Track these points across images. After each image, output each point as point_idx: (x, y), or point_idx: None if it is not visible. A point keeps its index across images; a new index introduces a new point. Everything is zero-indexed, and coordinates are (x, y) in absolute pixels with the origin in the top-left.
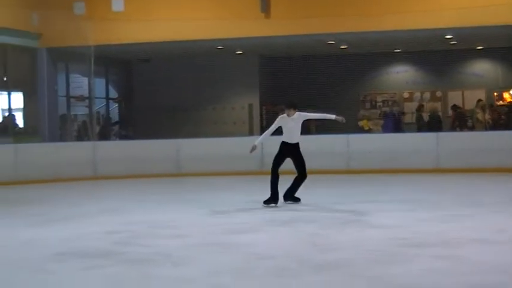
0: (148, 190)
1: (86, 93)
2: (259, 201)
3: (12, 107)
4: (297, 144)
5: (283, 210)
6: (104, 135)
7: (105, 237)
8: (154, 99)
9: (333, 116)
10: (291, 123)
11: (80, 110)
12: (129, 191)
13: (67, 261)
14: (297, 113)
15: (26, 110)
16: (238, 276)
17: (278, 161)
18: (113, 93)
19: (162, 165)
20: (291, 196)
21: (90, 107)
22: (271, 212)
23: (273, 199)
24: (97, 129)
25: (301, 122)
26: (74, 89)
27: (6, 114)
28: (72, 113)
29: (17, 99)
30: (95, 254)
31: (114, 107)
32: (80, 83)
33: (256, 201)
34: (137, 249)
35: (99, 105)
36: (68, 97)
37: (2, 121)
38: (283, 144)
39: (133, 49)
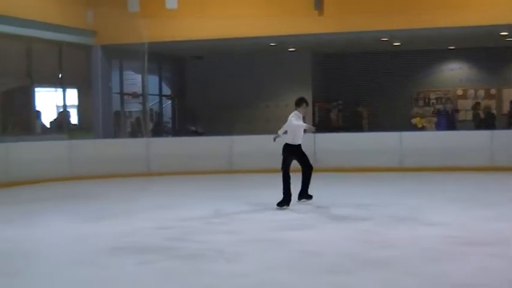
0: (201, 186)
1: (139, 90)
2: (313, 198)
3: (67, 103)
4: (300, 145)
5: (336, 207)
6: (157, 132)
7: (158, 233)
8: (207, 96)
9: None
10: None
11: (134, 107)
12: (182, 187)
13: (120, 256)
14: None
15: (80, 107)
16: (291, 272)
17: (289, 162)
18: (166, 90)
19: (214, 162)
20: (305, 194)
21: (143, 103)
22: (324, 209)
23: (286, 201)
24: (150, 125)
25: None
26: (128, 85)
27: (61, 110)
28: (125, 109)
29: (72, 95)
30: (148, 249)
31: (167, 104)
32: (134, 80)
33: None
34: (190, 244)
35: (152, 102)
36: (122, 94)
37: (57, 117)
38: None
39: (187, 46)
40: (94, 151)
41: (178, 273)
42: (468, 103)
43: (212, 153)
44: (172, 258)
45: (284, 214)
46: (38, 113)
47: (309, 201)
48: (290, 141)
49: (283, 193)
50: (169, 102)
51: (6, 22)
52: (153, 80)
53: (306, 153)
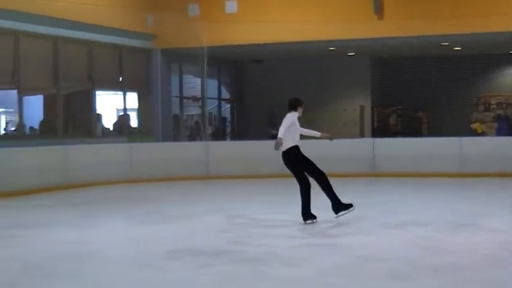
0: (259, 190)
1: (198, 94)
2: (370, 203)
3: (127, 107)
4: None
5: (394, 213)
6: (216, 135)
7: (216, 237)
8: (266, 100)
9: (318, 134)
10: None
11: (193, 111)
12: (241, 191)
13: (180, 259)
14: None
15: (140, 110)
16: (349, 277)
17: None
18: (225, 94)
19: (272, 166)
20: (340, 205)
21: (202, 107)
22: (381, 215)
23: (312, 215)
24: (209, 129)
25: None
26: (187, 89)
27: (121, 114)
28: (184, 113)
29: (132, 99)
30: (207, 253)
31: (226, 107)
32: (193, 84)
33: (366, 204)
34: (248, 248)
35: (211, 106)
36: (181, 97)
37: (117, 121)
38: (298, 148)
39: (246, 50)
40: (153, 154)
41: (236, 277)
42: None
43: (269, 157)
44: (230, 262)
45: (340, 219)
46: (99, 116)
47: (365, 208)
48: (298, 144)
49: (307, 207)
50: (228, 106)
51: (69, 27)
52: (212, 84)
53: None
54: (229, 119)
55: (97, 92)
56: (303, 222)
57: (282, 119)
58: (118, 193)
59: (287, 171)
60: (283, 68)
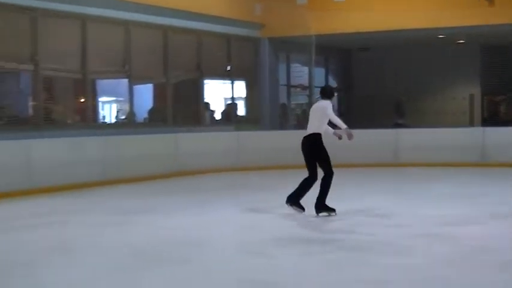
0: (366, 179)
1: (306, 83)
2: (481, 193)
3: (235, 95)
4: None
5: (504, 203)
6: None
7: (323, 225)
8: (374, 88)
9: (343, 126)
10: None
11: (300, 99)
12: (345, 180)
13: (286, 246)
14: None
15: (247, 99)
16: (461, 267)
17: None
18: (332, 83)
19: (380, 155)
20: (324, 206)
21: (310, 96)
22: (491, 205)
23: (330, 207)
24: None
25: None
26: (294, 78)
27: (229, 102)
28: (292, 102)
29: (240, 88)
30: (313, 241)
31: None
32: (300, 73)
33: (476, 194)
34: (355, 236)
35: (318, 95)
36: (289, 86)
37: (225, 109)
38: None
39: (353, 38)
40: (261, 143)
41: (344, 264)
42: None
43: (378, 145)
44: (337, 250)
45: (451, 209)
46: (207, 105)
47: (475, 198)
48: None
49: (324, 201)
50: (336, 94)
51: (179, 16)
52: (319, 73)
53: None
54: (336, 107)
55: (205, 81)
56: (317, 215)
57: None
58: (226, 181)
59: (397, 160)
60: (391, 55)
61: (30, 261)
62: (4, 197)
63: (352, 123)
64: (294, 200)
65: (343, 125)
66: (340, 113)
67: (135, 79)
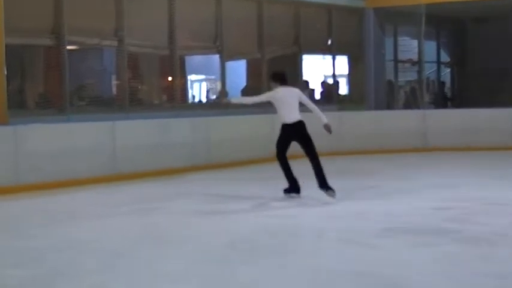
0: (481, 164)
1: (415, 57)
2: None
3: (336, 72)
4: None
5: None
6: (435, 103)
7: (435, 214)
8: (491, 63)
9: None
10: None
11: (408, 76)
12: (460, 164)
13: (395, 237)
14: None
15: (350, 76)
16: None
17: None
18: (444, 57)
19: (496, 137)
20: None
21: (419, 72)
22: None
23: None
24: (427, 96)
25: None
26: (402, 52)
27: (329, 80)
28: (399, 78)
29: (342, 64)
30: (425, 231)
31: (446, 72)
32: (409, 46)
33: None
34: (472, 227)
35: (429, 70)
36: (396, 61)
37: (325, 88)
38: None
39: (468, 7)
40: (365, 124)
41: (459, 258)
42: None
43: (494, 126)
44: (454, 242)
45: None
46: (306, 83)
47: None
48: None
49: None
50: (448, 70)
51: None
52: (429, 46)
53: None
54: (449, 84)
55: (304, 57)
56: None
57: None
58: (328, 166)
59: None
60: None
61: (120, 251)
62: (90, 183)
63: (466, 102)
64: (326, 185)
65: (323, 117)
66: (453, 91)
67: (227, 55)
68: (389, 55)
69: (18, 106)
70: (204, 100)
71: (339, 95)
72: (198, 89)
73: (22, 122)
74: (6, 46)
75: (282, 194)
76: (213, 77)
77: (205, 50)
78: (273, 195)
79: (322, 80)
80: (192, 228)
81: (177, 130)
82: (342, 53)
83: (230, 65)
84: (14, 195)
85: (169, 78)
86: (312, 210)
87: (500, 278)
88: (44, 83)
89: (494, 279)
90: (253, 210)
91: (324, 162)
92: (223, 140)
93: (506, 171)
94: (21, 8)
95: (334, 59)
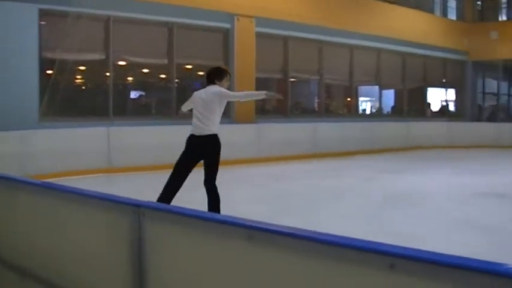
0: None
1: (495, 91)
2: None
3: (448, 98)
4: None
5: None
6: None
7: None
8: None
9: (262, 93)
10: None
11: (491, 102)
12: None
13: (483, 199)
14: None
15: (456, 101)
16: None
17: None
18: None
19: None
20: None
21: (497, 99)
22: None
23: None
24: (501, 114)
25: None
26: (487, 88)
27: (443, 103)
28: (485, 103)
29: (451, 93)
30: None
31: None
32: (491, 84)
33: None
34: None
35: (503, 99)
36: (483, 93)
37: (441, 107)
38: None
39: None
40: (466, 130)
41: None
42: None
43: None
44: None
45: None
46: (429, 104)
47: None
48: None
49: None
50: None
51: (413, 46)
52: (504, 85)
53: None
54: None
55: (428, 88)
56: None
57: None
58: (440, 155)
59: None
60: None
61: (312, 202)
62: (294, 159)
63: None
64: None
65: (260, 92)
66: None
67: (383, 86)
68: (480, 88)
69: (260, 112)
70: (369, 112)
71: (449, 111)
72: (366, 105)
73: (263, 121)
74: (256, 79)
75: (414, 169)
76: (374, 98)
77: (368, 83)
78: (411, 170)
79: (439, 102)
80: (362, 188)
81: (353, 129)
82: (451, 87)
83: (385, 92)
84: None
85: (348, 99)
86: (433, 181)
87: None
88: (277, 100)
89: None
90: (398, 179)
91: (441, 152)
92: (382, 136)
93: None
94: (266, 56)
95: (446, 90)
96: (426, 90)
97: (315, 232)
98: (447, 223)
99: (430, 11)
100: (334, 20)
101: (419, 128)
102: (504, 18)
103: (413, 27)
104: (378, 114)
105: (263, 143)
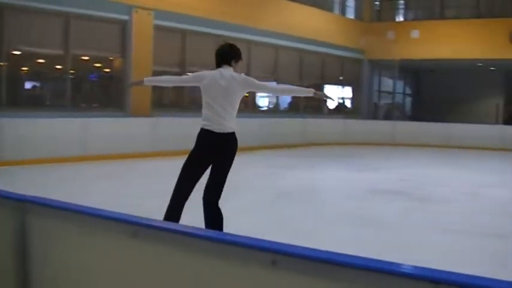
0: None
1: (390, 90)
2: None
3: (344, 95)
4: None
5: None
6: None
7: (399, 183)
8: (436, 96)
9: (311, 91)
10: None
11: (386, 100)
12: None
13: (375, 195)
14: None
15: (353, 98)
16: (494, 216)
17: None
18: (408, 91)
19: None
20: None
21: (393, 98)
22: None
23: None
24: (396, 112)
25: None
26: (383, 86)
27: (340, 99)
28: (381, 101)
29: (347, 91)
30: (393, 193)
31: (408, 99)
32: (387, 83)
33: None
34: (420, 192)
35: (398, 98)
36: (379, 91)
37: (337, 104)
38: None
39: (422, 63)
40: (362, 127)
41: (415, 209)
42: None
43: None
44: (410, 200)
45: (483, 176)
46: (325, 101)
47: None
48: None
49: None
50: (410, 98)
51: (311, 43)
52: (399, 84)
53: None
54: (409, 107)
55: (325, 85)
56: None
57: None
58: (336, 151)
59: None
60: (449, 75)
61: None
62: None
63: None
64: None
65: (309, 89)
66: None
67: (280, 82)
68: (375, 87)
69: (157, 105)
70: (265, 108)
71: (346, 108)
72: (263, 101)
73: (159, 115)
74: (153, 72)
75: (309, 165)
76: (271, 94)
77: (268, 78)
78: (305, 166)
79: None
80: (256, 183)
81: (250, 125)
82: (348, 84)
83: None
84: None
85: (246, 94)
86: (327, 177)
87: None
88: (174, 93)
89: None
90: (291, 175)
91: (333, 149)
92: (277, 132)
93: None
94: (164, 50)
95: (343, 88)
96: (323, 88)
97: (197, 228)
98: (339, 219)
99: (329, 9)
100: (233, 15)
101: (315, 125)
102: (401, 19)
103: (312, 25)
104: (274, 111)
105: (159, 137)
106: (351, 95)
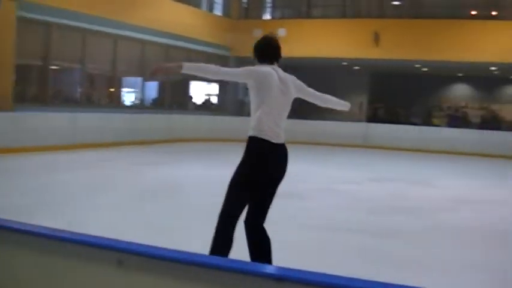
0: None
1: None
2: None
3: (211, 92)
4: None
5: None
6: None
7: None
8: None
9: (347, 105)
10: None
11: None
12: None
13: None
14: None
15: (219, 95)
16: (340, 210)
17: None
18: None
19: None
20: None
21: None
22: (370, 172)
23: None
24: None
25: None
26: None
27: (207, 96)
28: (247, 98)
29: (214, 88)
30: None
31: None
32: None
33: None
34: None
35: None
36: (246, 88)
37: (204, 100)
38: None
39: (287, 61)
40: (229, 124)
41: (278, 205)
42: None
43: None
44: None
45: (344, 173)
46: (191, 97)
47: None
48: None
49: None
50: None
51: (177, 39)
52: None
53: None
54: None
55: (191, 82)
56: None
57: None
58: (201, 148)
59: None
60: (313, 74)
61: (71, 194)
62: (54, 150)
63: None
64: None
65: (346, 103)
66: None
67: (146, 78)
68: (243, 84)
69: (19, 99)
70: (130, 103)
71: (212, 104)
72: (129, 97)
73: (21, 109)
74: (16, 66)
75: (174, 161)
76: (137, 90)
77: (134, 73)
78: (170, 163)
79: (203, 96)
80: (119, 180)
81: (116, 120)
82: (214, 81)
83: (149, 84)
84: None
85: (111, 89)
86: (189, 173)
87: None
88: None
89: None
90: (155, 171)
91: (196, 144)
92: (143, 128)
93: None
94: (27, 42)
95: (209, 84)
96: (189, 84)
97: (48, 228)
98: (199, 216)
99: (197, 5)
100: (99, 8)
101: (180, 121)
102: (268, 17)
103: (178, 21)
104: (139, 106)
105: (21, 132)
106: (217, 92)
